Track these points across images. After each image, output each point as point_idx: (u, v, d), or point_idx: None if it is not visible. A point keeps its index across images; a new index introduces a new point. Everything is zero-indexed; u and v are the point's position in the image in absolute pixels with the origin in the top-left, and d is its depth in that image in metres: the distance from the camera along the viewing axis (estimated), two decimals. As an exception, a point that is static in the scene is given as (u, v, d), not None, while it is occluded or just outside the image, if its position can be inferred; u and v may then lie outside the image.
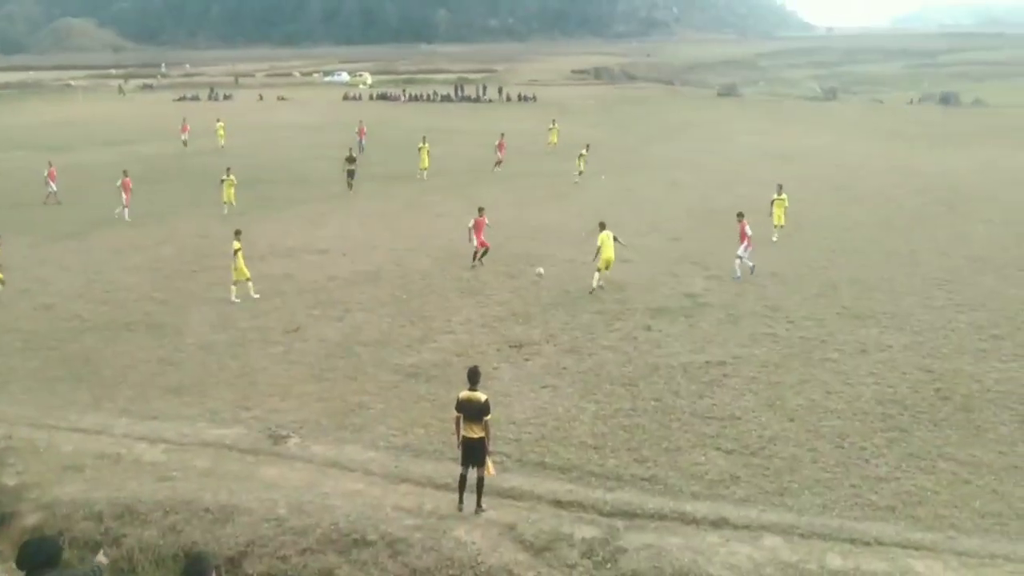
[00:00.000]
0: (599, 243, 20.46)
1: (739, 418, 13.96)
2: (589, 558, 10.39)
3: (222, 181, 30.84)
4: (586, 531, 10.84)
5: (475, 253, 23.40)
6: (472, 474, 11.17)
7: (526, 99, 79.96)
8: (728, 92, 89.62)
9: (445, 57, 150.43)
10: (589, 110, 70.67)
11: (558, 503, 11.54)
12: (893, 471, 12.18)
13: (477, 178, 38.14)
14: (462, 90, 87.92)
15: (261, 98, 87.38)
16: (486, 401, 10.99)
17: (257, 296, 20.49)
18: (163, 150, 48.67)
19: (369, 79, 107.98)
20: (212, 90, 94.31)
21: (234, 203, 30.66)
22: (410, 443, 13.29)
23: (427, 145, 38.23)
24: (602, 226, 20.74)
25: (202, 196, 33.14)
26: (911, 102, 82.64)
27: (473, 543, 10.68)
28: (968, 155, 45.08)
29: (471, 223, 23.36)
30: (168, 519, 11.11)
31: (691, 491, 11.77)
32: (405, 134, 51.81)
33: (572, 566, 10.29)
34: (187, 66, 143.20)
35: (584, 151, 37.24)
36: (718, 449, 12.94)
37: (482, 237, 23.25)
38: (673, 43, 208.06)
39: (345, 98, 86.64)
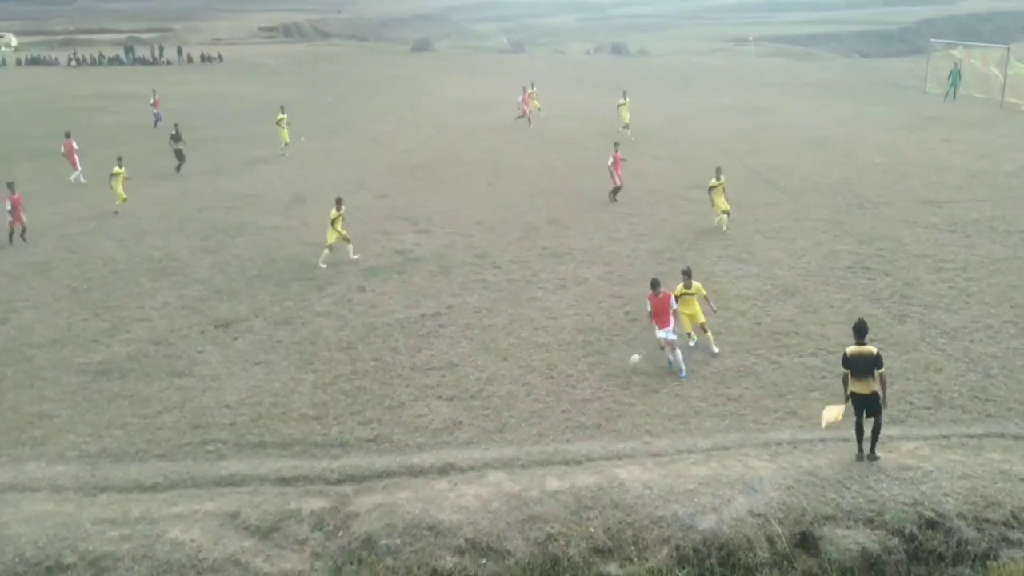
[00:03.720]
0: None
1: (457, 365, 14.35)
2: (320, 530, 10.14)
3: None
4: (314, 503, 10.55)
5: (614, 191, 24.70)
6: (868, 422, 10.94)
7: (210, 59, 74.28)
8: (422, 47, 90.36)
9: (111, 15, 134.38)
10: (282, 70, 67.51)
11: (283, 481, 11.07)
12: (596, 392, 13.31)
13: (160, 147, 34.75)
14: (134, 52, 79.27)
15: None
16: (878, 354, 10.73)
17: (356, 256, 20.10)
18: None
19: (14, 41, 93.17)
20: None
21: None
22: (107, 448, 11.91)
23: (285, 116, 33.54)
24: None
25: None
26: (588, 52, 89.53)
27: (192, 541, 9.91)
28: (637, 98, 49.94)
29: (610, 160, 24.21)
30: None
31: (417, 443, 11.91)
32: (69, 103, 45.76)
33: (303, 541, 9.98)
34: None
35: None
36: (439, 398, 13.22)
37: (620, 172, 24.47)
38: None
39: (-15, 64, 74.03)
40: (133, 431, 12.31)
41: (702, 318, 14.45)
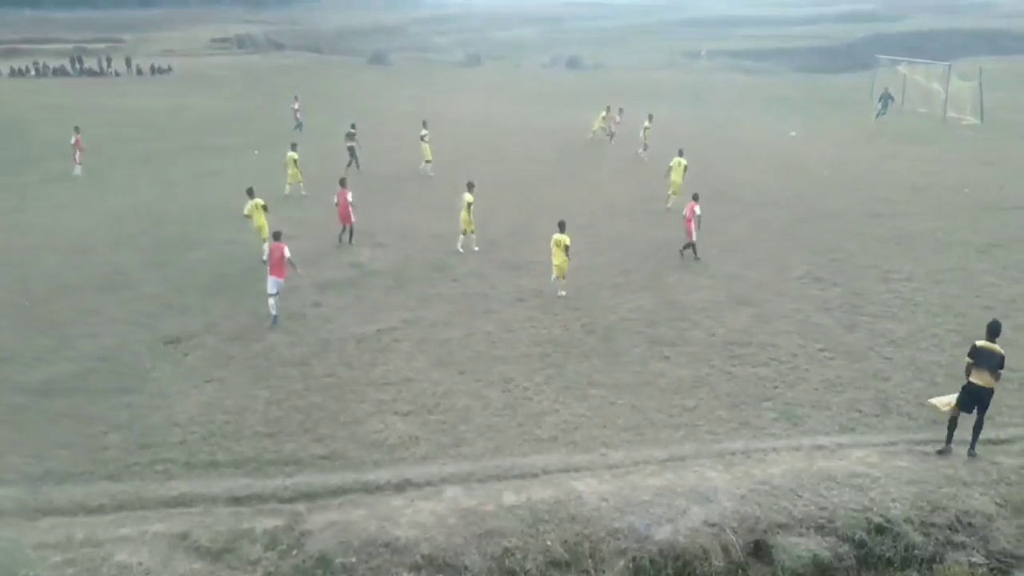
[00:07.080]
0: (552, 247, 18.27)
1: (413, 380, 14.25)
2: (273, 549, 9.96)
3: None
4: (268, 522, 10.35)
5: (686, 246, 20.96)
6: (968, 419, 11.49)
7: (161, 71, 72.98)
8: (378, 60, 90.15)
9: (57, 24, 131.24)
10: (235, 81, 66.67)
11: (235, 500, 10.86)
12: (553, 404, 13.33)
13: (112, 159, 34.06)
14: (81, 62, 77.44)
15: None
16: (1003, 356, 11.17)
17: (476, 249, 21.48)
18: None
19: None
20: None
21: None
22: (51, 469, 11.55)
23: (428, 131, 32.07)
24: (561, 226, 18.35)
25: None
26: (544, 65, 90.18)
27: (139, 563, 9.65)
28: (594, 112, 50.40)
29: (686, 211, 20.85)
30: None
31: (372, 460, 11.79)
32: (11, 113, 44.60)
33: (255, 562, 9.78)
34: None
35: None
36: (396, 413, 13.11)
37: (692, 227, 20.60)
38: (320, 10, 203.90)
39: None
40: (78, 451, 11.97)
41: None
